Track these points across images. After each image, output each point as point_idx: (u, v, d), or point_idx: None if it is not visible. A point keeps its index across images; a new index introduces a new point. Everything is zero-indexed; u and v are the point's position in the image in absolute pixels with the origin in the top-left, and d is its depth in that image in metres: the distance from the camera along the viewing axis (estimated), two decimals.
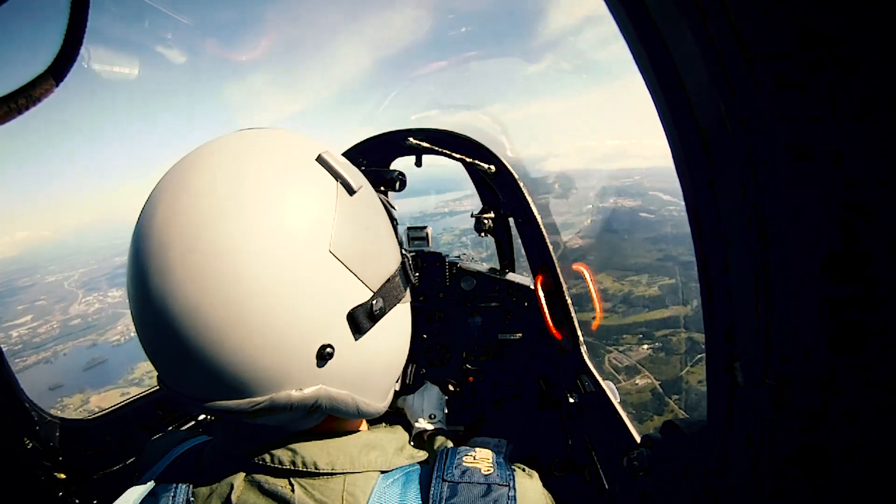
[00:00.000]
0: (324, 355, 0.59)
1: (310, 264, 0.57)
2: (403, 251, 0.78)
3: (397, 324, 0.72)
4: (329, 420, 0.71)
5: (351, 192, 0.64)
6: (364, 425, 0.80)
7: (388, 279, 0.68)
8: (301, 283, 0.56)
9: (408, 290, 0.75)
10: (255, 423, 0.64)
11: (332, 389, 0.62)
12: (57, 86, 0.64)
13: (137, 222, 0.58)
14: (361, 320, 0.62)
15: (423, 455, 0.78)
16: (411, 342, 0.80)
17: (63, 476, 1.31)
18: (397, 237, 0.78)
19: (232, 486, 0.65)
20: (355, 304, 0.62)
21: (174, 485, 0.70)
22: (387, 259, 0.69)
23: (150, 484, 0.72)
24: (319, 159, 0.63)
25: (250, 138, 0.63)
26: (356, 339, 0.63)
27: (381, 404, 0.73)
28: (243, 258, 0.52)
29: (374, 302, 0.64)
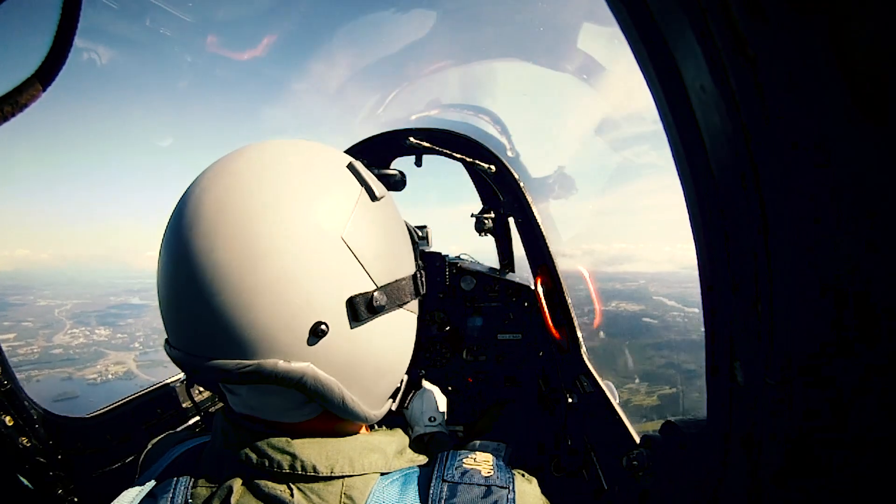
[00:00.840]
0: (317, 332, 0.62)
1: (321, 243, 0.62)
2: (418, 266, 0.82)
3: (399, 329, 0.73)
4: (328, 421, 0.71)
5: (374, 198, 0.71)
6: (364, 428, 0.79)
7: (396, 280, 0.71)
8: (310, 258, 0.61)
9: (416, 302, 0.78)
10: (248, 408, 0.69)
11: (319, 371, 0.63)
12: (44, 90, 0.63)
13: (187, 199, 0.64)
14: (360, 309, 0.65)
15: (423, 459, 0.78)
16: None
17: (62, 474, 1.31)
18: (416, 258, 0.83)
19: (231, 490, 0.65)
20: (357, 292, 0.65)
21: (172, 486, 0.70)
22: (398, 263, 0.73)
23: (149, 484, 0.72)
24: (350, 166, 0.72)
25: (292, 144, 0.71)
26: (352, 327, 0.65)
27: (371, 410, 0.72)
28: (265, 227, 0.59)
29: (376, 294, 0.66)
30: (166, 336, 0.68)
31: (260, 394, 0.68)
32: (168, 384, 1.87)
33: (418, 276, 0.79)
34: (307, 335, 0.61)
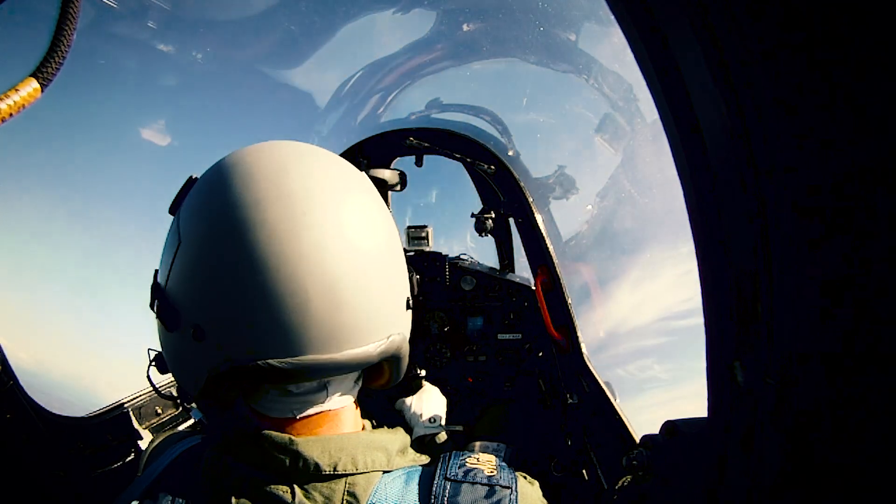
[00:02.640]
0: (409, 305, 0.79)
1: (395, 234, 0.78)
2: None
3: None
4: (329, 419, 0.71)
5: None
6: (368, 426, 0.79)
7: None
8: (396, 248, 0.77)
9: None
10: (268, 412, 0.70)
11: (407, 335, 0.78)
12: (43, 91, 0.62)
13: (268, 208, 0.65)
14: (413, 280, 0.86)
15: (425, 458, 0.78)
16: (411, 343, 0.84)
17: (62, 474, 1.31)
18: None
19: (231, 489, 0.65)
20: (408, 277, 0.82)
21: (172, 486, 0.70)
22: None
23: (150, 483, 0.72)
24: (370, 176, 0.86)
25: (323, 152, 0.78)
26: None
27: None
28: (369, 229, 0.71)
29: (408, 297, 0.82)
30: (265, 353, 0.64)
31: (327, 382, 0.73)
32: (169, 384, 1.87)
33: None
34: (406, 309, 0.77)
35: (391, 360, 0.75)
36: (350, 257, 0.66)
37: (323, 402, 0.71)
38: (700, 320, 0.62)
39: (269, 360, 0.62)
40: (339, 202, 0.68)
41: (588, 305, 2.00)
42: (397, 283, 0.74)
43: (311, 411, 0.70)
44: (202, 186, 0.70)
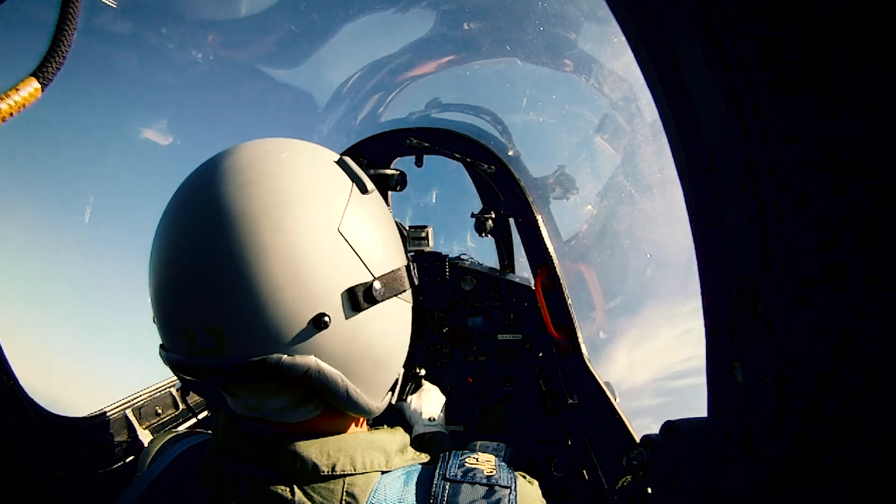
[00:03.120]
0: (319, 324, 0.62)
1: (319, 237, 0.63)
2: (409, 257, 0.83)
3: (396, 318, 0.74)
4: (329, 419, 0.71)
5: (364, 191, 0.72)
6: (363, 426, 0.79)
7: (392, 270, 0.73)
8: (309, 252, 0.62)
9: (410, 293, 0.78)
10: (251, 411, 0.68)
11: (322, 364, 0.63)
12: (43, 91, 0.62)
13: (185, 198, 0.65)
14: (359, 298, 0.66)
15: (424, 457, 0.77)
16: (410, 343, 0.80)
17: (62, 474, 1.31)
18: (405, 250, 0.84)
19: (231, 489, 0.65)
20: (356, 283, 0.66)
21: (173, 486, 0.70)
22: (391, 253, 0.74)
23: (149, 484, 0.72)
24: (340, 161, 0.73)
25: (284, 143, 0.72)
26: (352, 317, 0.66)
27: (373, 402, 0.73)
28: (265, 224, 0.60)
29: (375, 284, 0.67)
30: (161, 342, 0.68)
31: (260, 394, 0.67)
32: (169, 385, 1.87)
33: (411, 266, 0.80)
34: (310, 326, 0.62)
35: (308, 383, 0.63)
36: (320, 263, 0.61)
37: (267, 413, 0.68)
38: (700, 380, 0.62)
39: (161, 348, 0.65)
40: (310, 197, 0.65)
41: (588, 306, 2.00)
42: (294, 290, 0.61)
43: (305, 416, 0.69)
44: (182, 184, 0.70)
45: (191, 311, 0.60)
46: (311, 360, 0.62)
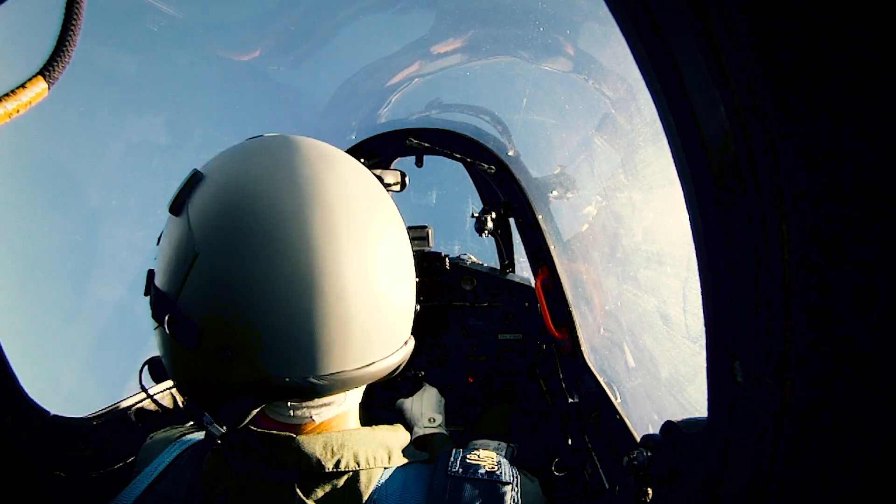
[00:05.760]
0: (406, 342, 0.74)
1: (398, 248, 0.72)
2: None
3: None
4: (334, 417, 0.71)
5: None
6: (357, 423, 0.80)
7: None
8: (394, 262, 0.69)
9: None
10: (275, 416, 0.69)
11: (405, 351, 0.74)
12: (49, 90, 0.62)
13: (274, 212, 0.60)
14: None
15: (425, 455, 0.78)
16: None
17: (62, 474, 1.31)
18: None
19: (234, 488, 0.65)
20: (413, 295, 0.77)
21: (173, 485, 0.70)
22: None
23: (150, 482, 0.71)
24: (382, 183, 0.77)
25: (337, 156, 0.71)
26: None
27: None
28: (398, 258, 0.71)
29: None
30: (304, 370, 0.62)
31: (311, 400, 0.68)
32: (169, 385, 1.87)
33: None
34: (402, 345, 0.72)
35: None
36: (383, 271, 0.65)
37: (341, 405, 0.71)
38: (700, 379, 0.63)
39: (310, 379, 0.60)
40: (372, 213, 0.67)
41: (589, 306, 2.00)
42: (412, 288, 0.74)
43: (328, 415, 0.70)
44: (222, 190, 0.62)
45: (327, 331, 0.61)
46: (405, 350, 0.73)
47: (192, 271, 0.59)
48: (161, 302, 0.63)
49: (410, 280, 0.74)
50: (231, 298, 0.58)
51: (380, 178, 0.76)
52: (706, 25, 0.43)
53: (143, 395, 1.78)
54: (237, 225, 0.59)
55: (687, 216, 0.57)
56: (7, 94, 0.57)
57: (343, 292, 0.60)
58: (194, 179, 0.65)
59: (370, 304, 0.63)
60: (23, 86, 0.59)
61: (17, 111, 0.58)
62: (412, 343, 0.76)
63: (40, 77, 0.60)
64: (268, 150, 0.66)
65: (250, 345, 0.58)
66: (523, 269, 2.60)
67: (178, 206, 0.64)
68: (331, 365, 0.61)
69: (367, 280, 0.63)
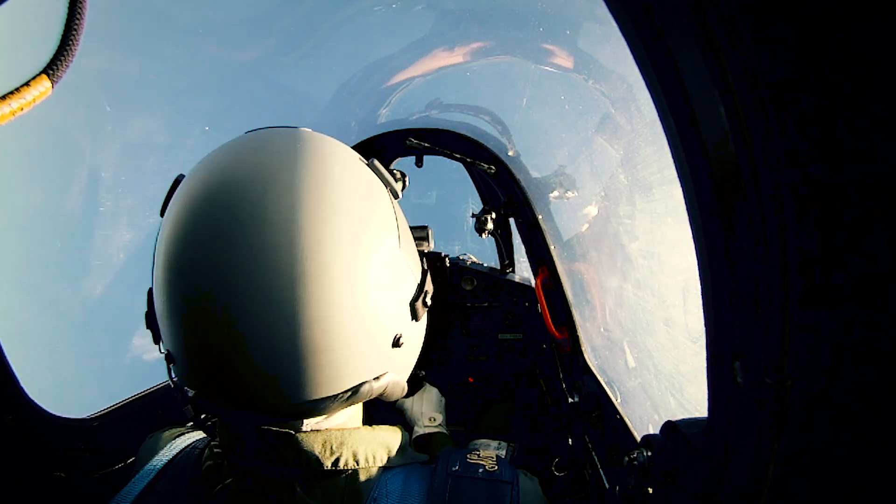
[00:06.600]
0: (398, 343, 0.65)
1: (387, 264, 0.62)
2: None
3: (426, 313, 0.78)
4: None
5: (396, 196, 0.70)
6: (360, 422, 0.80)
7: (424, 269, 0.75)
8: (383, 280, 0.61)
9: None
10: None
11: (395, 376, 0.67)
12: (53, 88, 0.63)
13: (230, 229, 0.53)
14: (418, 307, 0.68)
15: (425, 456, 0.78)
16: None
17: (62, 475, 1.31)
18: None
19: (233, 485, 0.65)
20: (412, 294, 0.68)
21: (173, 483, 0.70)
22: (415, 249, 0.76)
23: (150, 481, 0.72)
24: (371, 166, 0.68)
25: (303, 147, 0.61)
26: (413, 326, 0.69)
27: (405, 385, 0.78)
28: (334, 260, 0.55)
29: (425, 289, 0.70)
30: (207, 398, 0.61)
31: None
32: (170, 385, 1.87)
33: (423, 250, 0.82)
34: (391, 349, 0.64)
35: (379, 396, 0.66)
36: (375, 294, 0.57)
37: (324, 421, 0.69)
38: (700, 379, 0.62)
39: (293, 403, 0.58)
40: (364, 228, 0.58)
41: (589, 305, 2.00)
42: (378, 320, 0.61)
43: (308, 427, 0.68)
44: (189, 194, 0.58)
45: (275, 360, 0.55)
46: (389, 377, 0.66)
47: (153, 269, 0.60)
48: (148, 297, 0.65)
49: (405, 295, 0.65)
50: (164, 309, 0.57)
51: (385, 176, 0.71)
52: (706, 25, 0.43)
53: (143, 394, 1.78)
54: (173, 235, 0.56)
55: (687, 216, 0.57)
56: (11, 93, 0.57)
57: (329, 321, 0.55)
58: (176, 183, 0.65)
59: (359, 328, 0.57)
60: (27, 84, 0.59)
61: (21, 109, 0.58)
62: (368, 389, 0.66)
63: (44, 76, 0.60)
64: (249, 150, 0.60)
65: (180, 361, 0.59)
66: (523, 269, 2.59)
67: (163, 209, 0.65)
68: (316, 392, 0.59)
69: (357, 306, 0.57)
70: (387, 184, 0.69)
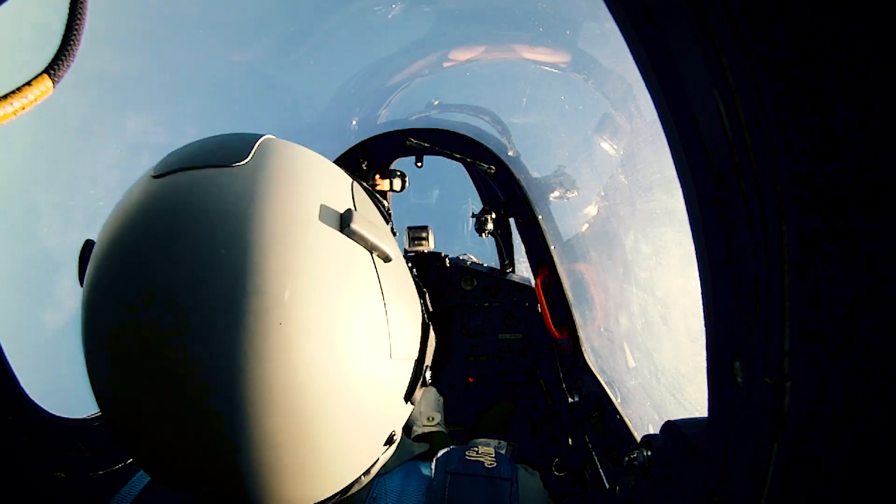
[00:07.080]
0: (391, 440, 0.59)
1: (379, 372, 0.53)
2: (415, 276, 0.74)
3: None
4: None
5: (387, 259, 0.55)
6: None
7: (423, 344, 0.65)
8: (374, 388, 0.53)
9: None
10: None
11: (384, 463, 0.63)
12: (54, 87, 0.63)
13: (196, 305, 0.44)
14: (415, 393, 0.61)
15: (423, 446, 0.78)
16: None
17: (62, 475, 1.31)
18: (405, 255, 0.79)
19: None
20: (408, 382, 0.60)
21: None
22: (417, 310, 0.64)
23: (147, 483, 0.71)
24: (349, 233, 0.50)
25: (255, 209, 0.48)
26: (409, 409, 0.63)
27: None
28: (321, 371, 0.46)
29: (425, 373, 0.63)
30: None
31: None
32: None
33: (424, 298, 0.72)
34: (383, 447, 0.59)
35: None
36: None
37: None
38: (700, 379, 0.61)
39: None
40: (337, 292, 0.47)
41: (589, 305, 2.00)
42: (372, 414, 0.54)
43: None
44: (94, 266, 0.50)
45: (256, 464, 0.48)
46: (378, 468, 0.61)
47: None
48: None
49: (398, 393, 0.58)
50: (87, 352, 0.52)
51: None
52: (706, 25, 0.43)
53: None
54: (100, 256, 0.49)
55: (686, 216, 0.57)
56: (13, 92, 0.57)
57: (342, 420, 0.49)
58: (85, 246, 0.59)
59: (371, 424, 0.52)
60: (28, 84, 0.59)
61: (23, 108, 0.58)
62: (399, 434, 0.61)
63: (45, 75, 0.60)
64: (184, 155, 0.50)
65: (211, 485, 0.53)
66: (523, 269, 2.59)
67: (80, 275, 0.57)
68: (342, 479, 0.54)
69: (368, 403, 0.51)
70: (373, 250, 0.52)
